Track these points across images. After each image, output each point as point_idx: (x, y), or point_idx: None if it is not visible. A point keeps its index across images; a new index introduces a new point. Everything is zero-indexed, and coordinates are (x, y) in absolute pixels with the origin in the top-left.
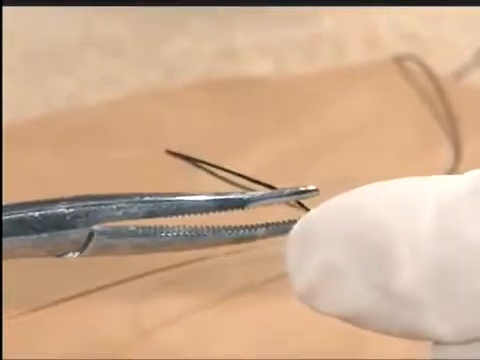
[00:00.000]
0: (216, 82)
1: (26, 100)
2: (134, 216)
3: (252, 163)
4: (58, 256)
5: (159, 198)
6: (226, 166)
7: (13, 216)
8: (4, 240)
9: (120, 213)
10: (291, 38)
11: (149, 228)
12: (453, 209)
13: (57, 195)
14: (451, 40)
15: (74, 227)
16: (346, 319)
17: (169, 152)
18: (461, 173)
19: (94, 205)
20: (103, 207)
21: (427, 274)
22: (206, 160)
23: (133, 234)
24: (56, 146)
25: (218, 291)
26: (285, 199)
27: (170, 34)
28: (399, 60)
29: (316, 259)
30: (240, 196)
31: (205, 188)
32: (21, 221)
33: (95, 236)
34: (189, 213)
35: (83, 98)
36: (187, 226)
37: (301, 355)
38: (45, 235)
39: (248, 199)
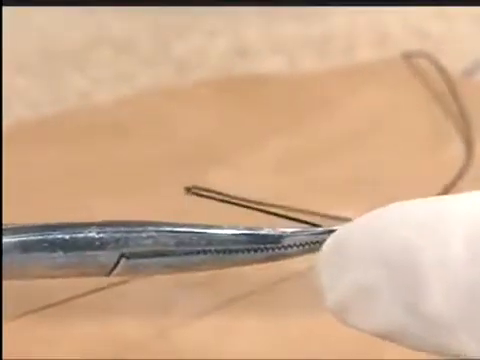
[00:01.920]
0: (228, 79)
1: (39, 97)
2: (164, 245)
3: (262, 160)
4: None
5: (191, 229)
6: (237, 163)
7: (43, 237)
8: (30, 256)
9: (150, 242)
10: (303, 35)
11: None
12: None
13: (69, 191)
14: (462, 37)
15: (103, 251)
16: (379, 336)
17: (189, 191)
18: (473, 170)
19: (125, 232)
20: (134, 235)
21: (457, 298)
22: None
23: (163, 254)
24: (68, 143)
25: (236, 291)
26: (318, 238)
27: (182, 31)
28: (410, 57)
29: (347, 278)
30: (273, 232)
31: (214, 188)
32: (51, 241)
33: (125, 257)
34: (221, 246)
35: (95, 95)
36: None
37: (320, 355)
38: (74, 257)
39: (280, 235)
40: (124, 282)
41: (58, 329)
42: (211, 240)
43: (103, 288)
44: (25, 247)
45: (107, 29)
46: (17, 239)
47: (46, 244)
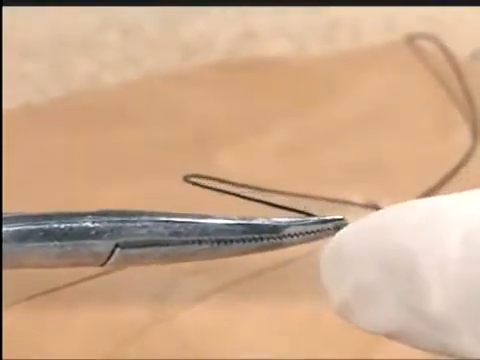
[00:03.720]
0: (234, 63)
1: (46, 81)
2: (158, 235)
3: (268, 144)
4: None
5: (185, 219)
6: (243, 147)
7: (38, 226)
8: (26, 246)
9: (144, 231)
10: (309, 20)
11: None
12: (478, 233)
13: (75, 174)
14: (468, 21)
15: (98, 240)
16: (385, 336)
17: (187, 180)
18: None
19: (120, 221)
20: (128, 224)
21: (457, 297)
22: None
23: (158, 244)
24: (75, 126)
25: (237, 275)
26: (313, 227)
27: (188, 15)
28: (416, 40)
29: (350, 280)
30: (267, 222)
31: (221, 171)
32: (46, 231)
33: (120, 247)
34: (215, 236)
35: (102, 79)
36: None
37: (321, 340)
38: (69, 246)
39: (275, 226)
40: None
41: (60, 315)
42: (205, 230)
43: (102, 274)
44: (21, 237)
45: (115, 13)
46: (13, 229)
47: (42, 233)
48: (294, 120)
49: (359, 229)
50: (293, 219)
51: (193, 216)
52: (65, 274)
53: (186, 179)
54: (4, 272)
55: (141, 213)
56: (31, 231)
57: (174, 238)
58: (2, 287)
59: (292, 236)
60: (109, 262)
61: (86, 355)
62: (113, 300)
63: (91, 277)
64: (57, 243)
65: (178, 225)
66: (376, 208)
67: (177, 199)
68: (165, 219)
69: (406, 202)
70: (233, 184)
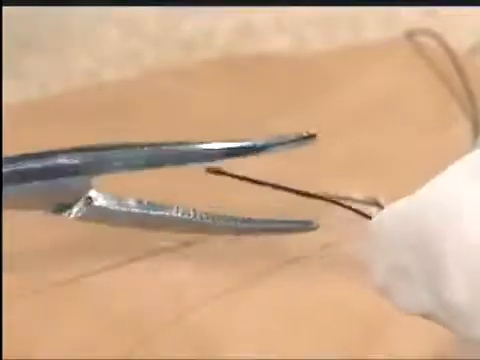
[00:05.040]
0: (234, 59)
1: (45, 77)
2: (135, 167)
3: None
4: (58, 211)
5: (162, 147)
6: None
7: (15, 167)
8: (5, 189)
9: (120, 164)
10: (309, 15)
11: (147, 204)
12: None
13: None
14: (468, 16)
15: (74, 177)
16: (420, 316)
17: (210, 170)
18: None
19: (93, 156)
20: (102, 157)
21: (475, 287)
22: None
23: (130, 206)
24: (75, 123)
25: (248, 269)
26: (289, 146)
27: (189, 11)
28: (416, 35)
29: (385, 260)
30: (244, 144)
31: (223, 166)
32: (23, 172)
33: (93, 199)
34: (195, 162)
35: (102, 75)
36: (184, 207)
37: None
38: (46, 185)
39: (253, 146)
40: (134, 259)
41: (64, 308)
42: (186, 155)
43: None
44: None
45: (114, 8)
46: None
47: (18, 174)
48: (294, 115)
49: (395, 212)
50: (272, 138)
51: (172, 144)
52: (65, 269)
53: (209, 170)
54: (4, 271)
55: (116, 146)
56: (8, 173)
57: (151, 166)
58: (2, 287)
59: (265, 222)
60: (85, 211)
61: (93, 351)
62: (120, 297)
63: (93, 272)
64: (37, 183)
65: (154, 153)
66: (376, 204)
67: (177, 195)
68: (139, 149)
69: (440, 187)
70: (250, 181)
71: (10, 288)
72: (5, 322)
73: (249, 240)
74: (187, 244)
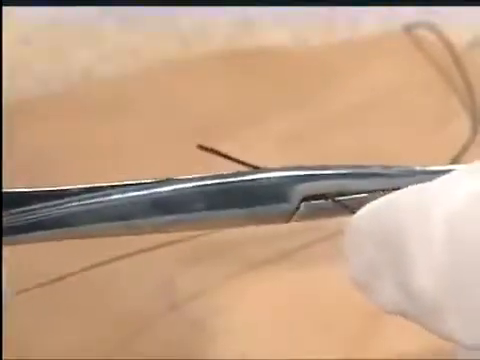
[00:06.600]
0: (233, 53)
1: (43, 73)
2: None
3: (268, 134)
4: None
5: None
6: (244, 137)
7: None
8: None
9: None
10: (309, 10)
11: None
12: (459, 212)
13: (75, 165)
14: (466, 10)
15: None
16: (393, 314)
17: (201, 147)
18: (479, 143)
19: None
20: None
21: (440, 276)
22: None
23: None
24: (74, 118)
25: (244, 262)
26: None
27: (187, 4)
28: (415, 29)
29: (361, 256)
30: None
31: (221, 161)
32: (226, 191)
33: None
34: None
35: (100, 70)
36: None
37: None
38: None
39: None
40: (131, 255)
41: (64, 304)
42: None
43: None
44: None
45: (112, 3)
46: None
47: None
48: (294, 110)
49: (369, 209)
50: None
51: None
52: (65, 266)
53: (201, 147)
54: (4, 271)
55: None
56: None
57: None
58: (2, 287)
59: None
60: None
61: (94, 344)
62: (118, 290)
63: (93, 266)
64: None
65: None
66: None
67: None
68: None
69: (416, 189)
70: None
71: (8, 285)
72: (5, 321)
73: (247, 234)
74: (182, 239)
